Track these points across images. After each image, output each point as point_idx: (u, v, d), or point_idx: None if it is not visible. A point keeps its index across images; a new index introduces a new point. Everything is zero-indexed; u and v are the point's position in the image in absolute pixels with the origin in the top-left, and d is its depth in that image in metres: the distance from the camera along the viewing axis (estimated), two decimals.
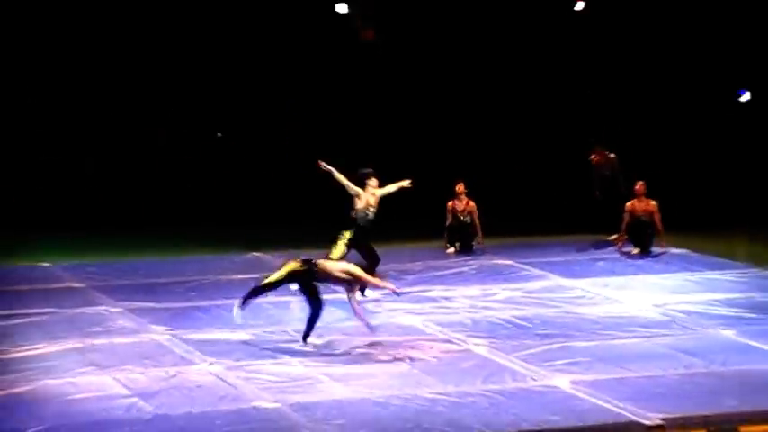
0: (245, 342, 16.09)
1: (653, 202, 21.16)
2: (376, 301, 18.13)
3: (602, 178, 22.40)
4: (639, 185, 21.25)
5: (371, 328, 15.96)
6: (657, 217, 21.12)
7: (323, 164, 17.01)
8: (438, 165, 21.89)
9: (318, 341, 16.14)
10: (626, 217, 21.28)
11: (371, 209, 17.05)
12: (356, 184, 17.65)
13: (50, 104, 25.22)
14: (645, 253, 21.25)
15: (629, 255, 21.33)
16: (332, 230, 20.68)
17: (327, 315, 17.37)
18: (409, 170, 20.77)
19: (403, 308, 17.75)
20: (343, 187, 16.82)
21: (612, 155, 22.36)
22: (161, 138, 26.16)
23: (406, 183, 17.91)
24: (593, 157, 22.41)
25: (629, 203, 21.25)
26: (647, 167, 22.16)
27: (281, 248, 21.15)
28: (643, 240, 21.28)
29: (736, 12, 26.96)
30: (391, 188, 17.64)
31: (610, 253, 21.56)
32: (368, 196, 16.98)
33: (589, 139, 22.33)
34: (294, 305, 17.75)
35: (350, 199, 16.90)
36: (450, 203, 21.39)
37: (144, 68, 25.63)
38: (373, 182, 17.15)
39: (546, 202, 23.23)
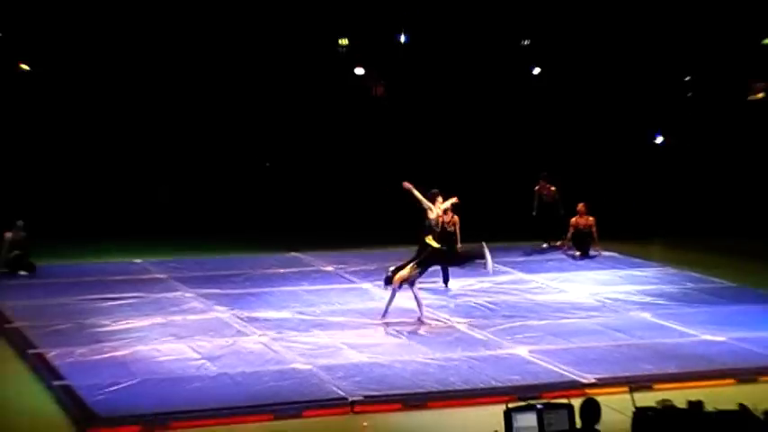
0: (285, 319, 16.11)
1: (591, 218, 21.16)
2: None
3: (541, 203, 22.25)
4: (581, 205, 21.24)
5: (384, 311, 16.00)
6: (594, 229, 21.12)
7: (406, 184, 16.96)
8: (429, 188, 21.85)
9: (340, 319, 16.17)
10: (571, 229, 21.31)
11: (440, 219, 17.05)
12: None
13: (140, 145, 25.27)
14: (584, 255, 21.24)
15: (572, 256, 21.33)
16: (351, 234, 20.78)
17: (346, 299, 17.46)
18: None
19: (403, 295, 17.78)
20: (417, 202, 16.75)
21: (553, 188, 22.17)
22: (224, 167, 26.28)
23: (455, 199, 17.85)
24: (537, 188, 22.24)
25: (573, 219, 21.25)
26: (586, 191, 22.10)
27: (314, 249, 21.15)
28: (583, 246, 21.29)
29: (652, 70, 27.05)
30: (447, 204, 17.60)
31: (557, 255, 21.56)
32: (437, 210, 16.94)
33: (541, 173, 22.24)
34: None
35: (423, 212, 16.82)
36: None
37: (215, 116, 25.74)
38: (440, 199, 17.11)
39: (509, 217, 23.12)
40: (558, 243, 21.82)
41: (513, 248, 21.60)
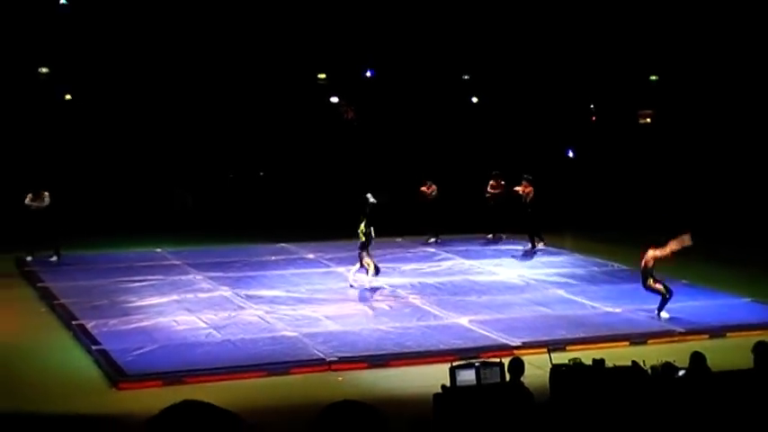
0: (276, 296, 16.05)
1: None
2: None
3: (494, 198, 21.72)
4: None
5: None
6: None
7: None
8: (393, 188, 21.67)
9: (320, 296, 16.14)
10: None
11: None
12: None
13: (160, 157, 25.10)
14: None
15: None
16: (328, 228, 20.62)
17: (325, 281, 17.39)
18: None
19: (369, 276, 17.75)
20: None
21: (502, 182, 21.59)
22: (230, 175, 26.19)
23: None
24: (520, 188, 20.65)
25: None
26: (515, 196, 21.85)
27: (298, 241, 21.04)
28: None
29: (565, 100, 27.18)
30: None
31: (492, 244, 21.50)
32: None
33: (492, 173, 21.80)
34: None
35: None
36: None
37: (223, 136, 25.66)
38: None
39: (453, 213, 22.87)
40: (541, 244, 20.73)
41: (457, 240, 21.61)
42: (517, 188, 20.83)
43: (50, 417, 10.83)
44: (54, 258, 18.53)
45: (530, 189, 20.66)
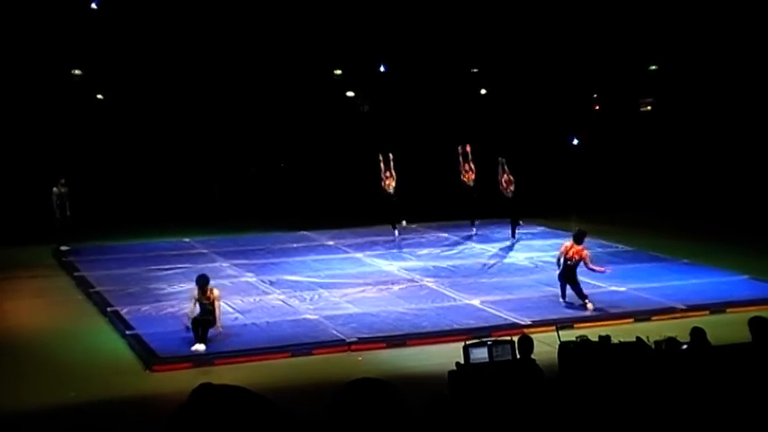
0: (298, 282, 16.08)
1: None
2: (370, 257, 18.18)
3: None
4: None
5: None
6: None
7: None
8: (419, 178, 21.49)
9: (339, 281, 16.16)
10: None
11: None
12: None
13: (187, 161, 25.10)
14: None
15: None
16: (346, 216, 20.57)
17: (343, 266, 17.41)
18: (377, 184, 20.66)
19: (386, 261, 17.81)
20: None
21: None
22: (252, 169, 26.18)
23: None
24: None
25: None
26: (523, 181, 21.64)
27: (318, 228, 21.08)
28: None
29: (569, 90, 27.04)
30: None
31: (500, 229, 21.38)
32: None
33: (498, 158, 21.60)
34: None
35: None
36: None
37: (248, 131, 25.64)
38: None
39: (461, 201, 22.72)
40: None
41: (467, 226, 21.52)
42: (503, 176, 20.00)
43: (89, 396, 10.89)
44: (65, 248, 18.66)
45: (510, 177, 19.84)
